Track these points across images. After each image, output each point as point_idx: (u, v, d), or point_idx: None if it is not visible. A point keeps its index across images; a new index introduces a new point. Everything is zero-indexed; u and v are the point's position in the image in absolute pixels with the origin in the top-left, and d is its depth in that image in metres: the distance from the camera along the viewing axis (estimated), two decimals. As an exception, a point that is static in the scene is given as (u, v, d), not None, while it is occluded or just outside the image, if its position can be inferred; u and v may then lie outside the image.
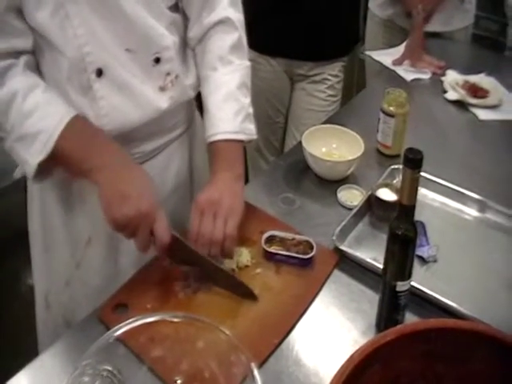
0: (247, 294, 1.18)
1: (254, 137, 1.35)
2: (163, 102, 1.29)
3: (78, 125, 1.16)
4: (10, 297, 2.34)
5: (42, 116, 1.14)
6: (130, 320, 0.99)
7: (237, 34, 1.36)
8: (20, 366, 1.07)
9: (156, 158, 1.38)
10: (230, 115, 1.31)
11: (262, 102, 2.30)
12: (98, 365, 0.93)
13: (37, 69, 1.22)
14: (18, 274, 2.39)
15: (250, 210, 1.39)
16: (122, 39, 1.20)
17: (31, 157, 1.14)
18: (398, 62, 2.22)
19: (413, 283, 1.11)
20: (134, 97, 1.24)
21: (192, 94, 1.38)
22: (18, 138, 1.15)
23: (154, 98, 1.27)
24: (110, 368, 0.94)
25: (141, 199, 1.11)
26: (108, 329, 1.03)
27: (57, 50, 1.17)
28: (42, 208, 1.38)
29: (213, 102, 1.33)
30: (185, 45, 1.36)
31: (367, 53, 2.43)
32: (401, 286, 1.07)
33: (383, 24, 2.54)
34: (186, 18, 1.34)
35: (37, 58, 1.22)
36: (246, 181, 1.78)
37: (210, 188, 1.25)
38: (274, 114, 2.34)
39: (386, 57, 2.28)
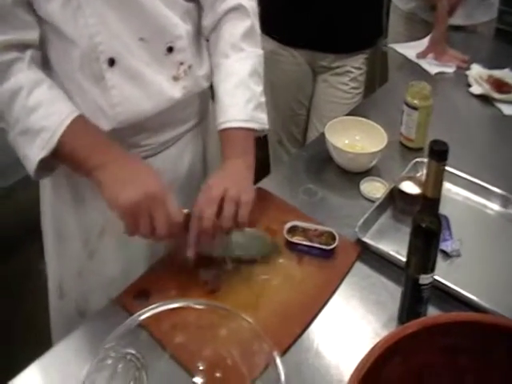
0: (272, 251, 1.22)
1: (266, 127, 1.33)
2: (176, 91, 1.28)
3: (81, 124, 1.16)
4: (24, 291, 2.35)
5: (46, 113, 1.13)
6: (154, 305, 1.00)
7: (249, 22, 1.35)
8: (34, 356, 1.07)
9: (169, 150, 1.37)
10: (241, 103, 1.29)
11: (285, 94, 2.28)
12: (121, 348, 0.93)
13: (42, 64, 1.21)
14: (30, 267, 2.38)
15: (271, 200, 1.40)
16: (134, 28, 1.19)
17: (33, 153, 1.13)
18: (422, 55, 2.20)
19: (435, 277, 1.10)
20: (146, 86, 1.23)
21: (205, 84, 1.37)
22: (21, 132, 1.14)
23: (166, 87, 1.26)
24: (133, 351, 0.94)
25: (146, 183, 1.11)
26: (129, 315, 1.04)
27: (68, 40, 1.16)
28: (55, 200, 1.38)
29: (224, 89, 1.32)
30: (199, 35, 1.36)
31: (391, 45, 2.42)
32: (424, 279, 1.07)
33: (405, 17, 2.52)
34: (200, 8, 1.33)
35: (46, 50, 1.21)
36: (268, 172, 1.77)
37: (221, 173, 1.24)
38: (296, 106, 2.32)
39: (409, 50, 2.27)
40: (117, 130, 1.23)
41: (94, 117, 1.20)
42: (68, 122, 1.13)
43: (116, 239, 1.34)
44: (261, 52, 1.39)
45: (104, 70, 1.18)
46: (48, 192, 1.38)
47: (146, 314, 0.98)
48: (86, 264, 1.38)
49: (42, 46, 1.20)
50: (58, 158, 1.15)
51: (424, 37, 2.29)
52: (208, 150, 1.51)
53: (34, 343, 1.12)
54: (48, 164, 1.16)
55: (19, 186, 2.63)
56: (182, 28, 1.25)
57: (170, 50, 1.24)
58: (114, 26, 1.17)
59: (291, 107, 2.32)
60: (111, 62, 1.18)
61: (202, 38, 1.38)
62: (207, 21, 1.34)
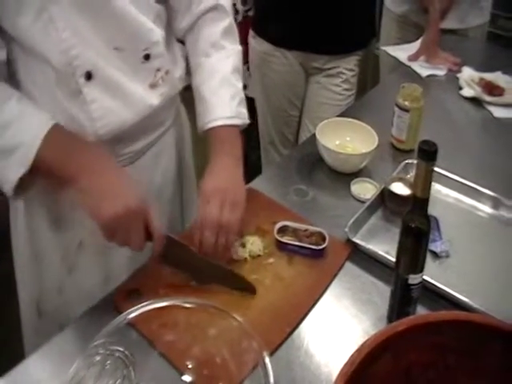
0: (247, 289, 1.18)
1: (247, 121, 1.35)
2: (154, 98, 1.27)
3: (57, 133, 1.11)
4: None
5: (19, 129, 1.09)
6: (143, 304, 1.00)
7: (228, 20, 1.36)
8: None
9: (145, 156, 1.36)
10: (226, 100, 1.31)
11: (277, 95, 2.29)
12: (110, 345, 0.93)
13: (9, 77, 1.16)
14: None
15: (262, 200, 1.40)
16: (110, 38, 1.16)
17: (11, 172, 1.09)
18: (413, 58, 2.21)
19: (425, 277, 1.11)
20: (125, 97, 1.21)
21: (180, 86, 1.37)
22: None
23: (145, 95, 1.25)
24: (121, 349, 0.94)
25: (127, 196, 1.09)
26: (120, 313, 1.03)
27: (41, 56, 1.12)
28: (29, 221, 1.33)
29: (208, 88, 1.32)
30: (170, 37, 1.34)
31: (383, 48, 2.43)
32: (413, 279, 1.07)
33: (398, 20, 2.54)
34: (169, 9, 1.32)
35: (16, 67, 1.16)
36: (259, 173, 1.78)
37: (215, 175, 1.25)
38: (288, 107, 2.33)
39: (401, 52, 2.28)
40: (95, 142, 1.20)
41: (73, 131, 1.16)
42: (43, 134, 1.09)
43: (95, 251, 1.32)
44: (240, 48, 1.40)
45: (81, 84, 1.15)
46: (21, 214, 1.33)
47: (135, 312, 0.99)
48: (66, 279, 1.35)
49: (9, 64, 1.15)
50: (37, 173, 1.11)
51: (416, 40, 2.30)
52: (182, 150, 1.51)
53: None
54: (25, 182, 1.11)
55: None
56: (157, 33, 1.24)
57: (147, 57, 1.23)
58: (88, 37, 1.13)
59: (283, 108, 2.32)
60: (88, 76, 1.15)
61: (173, 40, 1.38)
62: (183, 23, 1.34)
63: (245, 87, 2.62)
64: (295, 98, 2.31)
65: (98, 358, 0.92)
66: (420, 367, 0.87)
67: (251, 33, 2.27)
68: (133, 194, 1.10)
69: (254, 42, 2.25)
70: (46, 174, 1.13)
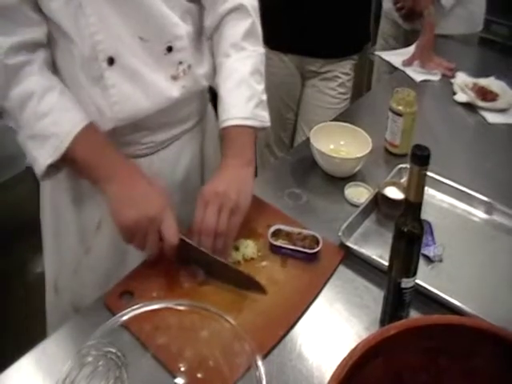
0: (255, 288, 1.18)
1: (268, 124, 1.35)
2: (175, 91, 1.29)
3: (90, 134, 1.18)
4: (17, 284, 2.35)
5: (56, 120, 1.16)
6: (136, 306, 1.00)
7: (250, 20, 1.37)
8: (24, 351, 1.07)
9: (168, 149, 1.39)
10: (242, 101, 1.31)
11: (273, 98, 2.25)
12: (102, 347, 0.94)
13: (53, 65, 1.23)
14: (25, 262, 2.40)
15: (256, 204, 1.39)
16: (135, 27, 1.20)
17: (41, 158, 1.16)
18: (407, 63, 2.22)
19: (418, 281, 1.11)
20: (145, 85, 1.24)
21: (205, 83, 1.38)
22: (30, 136, 1.17)
23: (165, 86, 1.27)
24: (114, 350, 0.94)
25: (147, 204, 1.14)
26: (113, 315, 1.04)
27: (69, 39, 1.17)
28: (54, 196, 1.39)
29: (225, 88, 1.33)
30: (200, 34, 1.37)
31: (377, 53, 2.45)
32: (406, 283, 1.07)
33: (384, 15, 2.55)
34: (201, 8, 1.34)
35: (51, 49, 1.22)
36: (255, 175, 1.78)
37: (217, 178, 1.25)
38: (284, 110, 2.33)
39: (395, 57, 2.29)
40: (116, 128, 1.25)
41: (93, 116, 1.22)
42: (77, 130, 1.16)
43: (112, 233, 1.32)
44: (262, 50, 1.41)
45: (103, 68, 1.20)
46: (48, 189, 1.40)
47: (128, 314, 0.99)
48: (82, 260, 1.39)
49: (49, 46, 1.21)
50: (65, 164, 1.19)
51: (398, 37, 2.32)
52: (206, 150, 1.52)
53: (25, 340, 1.13)
54: (55, 167, 1.18)
55: (11, 183, 2.63)
56: (182, 28, 1.26)
57: (170, 49, 1.25)
58: (113, 24, 1.18)
59: (279, 111, 2.32)
60: (110, 61, 1.19)
61: (204, 37, 1.39)
62: (208, 21, 1.35)
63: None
64: (291, 101, 2.32)
65: (90, 358, 0.93)
66: (412, 371, 0.88)
67: None
68: (153, 202, 1.15)
69: None
70: (74, 169, 1.23)
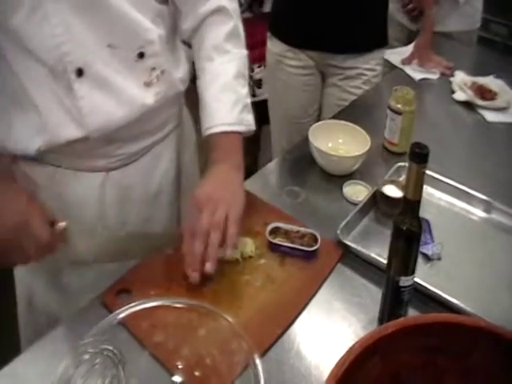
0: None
1: (253, 128, 1.32)
2: (149, 98, 1.25)
3: None
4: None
5: None
6: (133, 304, 1.00)
7: (232, 23, 1.33)
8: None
9: (141, 160, 1.34)
10: (228, 106, 1.28)
11: (289, 100, 2.23)
12: (99, 344, 0.93)
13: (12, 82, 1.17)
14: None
15: (254, 202, 1.40)
16: (103, 35, 1.15)
17: None
18: (406, 62, 2.22)
19: (416, 279, 1.11)
20: (116, 94, 1.20)
21: (181, 88, 1.35)
22: None
23: (138, 94, 1.23)
24: (111, 348, 0.94)
25: (4, 214, 1.08)
26: (110, 313, 1.03)
27: (33, 54, 1.11)
28: None
29: (209, 93, 1.30)
30: (173, 38, 1.34)
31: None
32: (404, 281, 1.07)
33: (396, 27, 2.55)
34: (175, 10, 1.30)
35: (9, 60, 1.15)
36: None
37: (209, 182, 1.23)
38: (301, 114, 2.25)
39: (394, 56, 2.29)
40: (88, 141, 1.20)
41: (64, 123, 1.18)
42: None
43: None
44: (245, 53, 1.37)
45: (72, 80, 1.14)
46: None
47: (125, 311, 0.98)
48: (57, 276, 1.34)
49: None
50: None
51: (400, 39, 2.32)
52: (182, 159, 1.48)
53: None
54: None
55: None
56: (153, 32, 1.22)
57: (141, 55, 1.21)
58: (81, 33, 1.12)
59: (295, 115, 2.25)
60: (79, 73, 1.14)
61: (178, 40, 1.36)
62: (187, 24, 1.32)
63: (253, 95, 2.59)
64: (309, 103, 2.23)
65: (87, 356, 0.92)
66: (410, 369, 0.87)
67: (268, 34, 2.21)
68: (11, 210, 1.08)
69: (270, 43, 2.20)
70: None
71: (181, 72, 1.34)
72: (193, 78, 1.38)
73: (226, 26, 1.32)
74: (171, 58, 1.31)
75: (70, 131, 1.18)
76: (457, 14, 2.45)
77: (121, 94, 1.20)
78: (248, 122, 1.31)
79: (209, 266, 1.13)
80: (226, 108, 1.28)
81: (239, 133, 1.29)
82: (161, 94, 1.27)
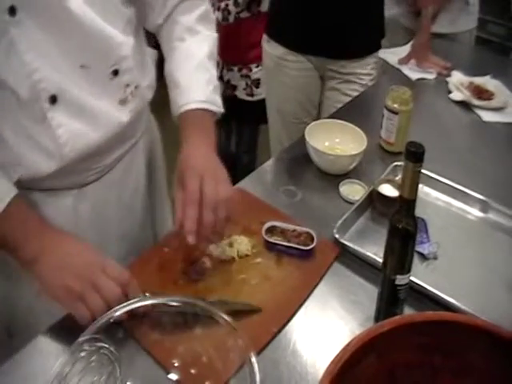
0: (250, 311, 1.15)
1: (221, 110, 1.29)
2: (124, 116, 1.21)
3: (15, 208, 1.06)
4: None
5: None
6: (130, 302, 1.00)
7: (203, 7, 1.33)
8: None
9: (115, 170, 1.31)
10: (202, 84, 1.26)
11: (291, 101, 2.25)
12: (95, 342, 0.93)
13: None
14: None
15: (251, 200, 1.40)
16: (76, 55, 1.10)
17: None
18: (403, 61, 2.23)
19: (412, 278, 1.11)
20: (93, 117, 1.15)
21: (150, 95, 1.33)
22: None
23: (114, 113, 1.19)
24: (107, 345, 0.94)
25: (76, 263, 1.05)
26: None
27: (1, 84, 1.04)
28: None
29: (183, 71, 1.27)
30: (140, 42, 1.29)
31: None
32: (400, 280, 1.07)
33: (387, 23, 2.54)
34: (140, 8, 1.26)
35: None
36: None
37: (189, 157, 1.19)
38: (301, 114, 2.27)
39: (391, 55, 2.29)
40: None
41: (38, 159, 1.12)
42: (2, 206, 1.04)
43: None
44: (216, 35, 1.36)
45: (46, 109, 1.08)
46: None
47: (121, 309, 0.98)
48: (10, 288, 1.28)
49: None
50: None
51: (405, 43, 2.31)
52: (153, 161, 1.47)
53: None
54: None
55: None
56: (126, 46, 1.18)
57: (116, 73, 1.17)
58: (52, 57, 1.06)
59: (296, 115, 2.27)
60: (53, 100, 1.08)
61: (144, 43, 1.33)
62: (159, 19, 1.30)
63: (252, 95, 2.59)
64: (309, 104, 2.25)
65: (82, 354, 0.92)
66: (405, 367, 0.88)
67: (265, 37, 2.22)
68: (83, 258, 1.06)
69: (268, 46, 2.21)
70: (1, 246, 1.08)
71: (148, 79, 1.31)
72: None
73: (198, 10, 1.32)
74: (141, 67, 1.27)
75: (47, 165, 1.14)
76: (465, 14, 2.45)
77: (97, 116, 1.16)
78: (218, 104, 1.29)
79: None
80: (200, 86, 1.26)
81: (212, 113, 1.27)
82: (135, 110, 1.25)
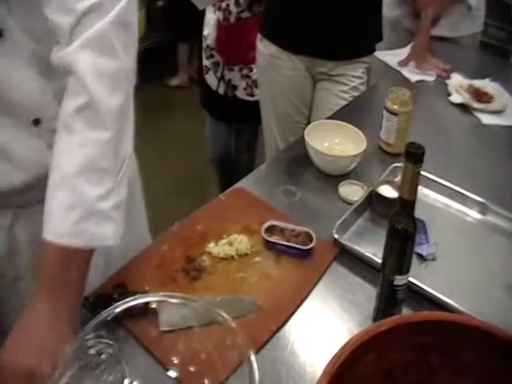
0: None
1: (110, 242, 0.99)
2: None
3: None
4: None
5: None
6: (129, 299, 1.00)
7: (86, 96, 0.96)
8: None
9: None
10: (62, 210, 0.95)
11: (283, 100, 2.25)
12: (95, 339, 0.93)
13: None
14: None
15: (250, 200, 1.41)
16: None
17: None
18: (403, 63, 2.23)
19: (411, 279, 1.12)
20: (18, 162, 1.09)
21: None
22: None
23: (42, 157, 1.08)
24: (108, 343, 0.94)
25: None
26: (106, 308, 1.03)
27: None
28: None
29: (49, 184, 0.98)
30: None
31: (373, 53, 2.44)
32: (399, 281, 1.08)
33: (390, 24, 2.54)
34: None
35: None
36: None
37: (16, 343, 0.93)
38: (294, 113, 2.28)
39: (391, 57, 2.29)
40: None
41: None
42: None
43: None
44: (108, 136, 0.98)
45: None
46: None
47: (121, 306, 0.98)
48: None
49: None
50: None
51: (407, 45, 2.31)
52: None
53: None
54: None
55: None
56: (45, 97, 1.07)
57: (37, 122, 1.08)
58: None
59: (289, 114, 2.28)
60: None
61: None
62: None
63: (252, 95, 2.57)
64: (301, 103, 2.26)
65: (82, 350, 0.93)
66: (403, 367, 0.88)
67: (258, 36, 2.23)
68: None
69: (261, 44, 2.22)
70: None
71: None
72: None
73: (78, 99, 0.96)
74: None
75: None
76: (469, 19, 2.45)
77: (23, 161, 1.10)
78: (95, 236, 0.97)
79: None
80: (57, 212, 0.96)
81: (77, 248, 0.96)
82: None
